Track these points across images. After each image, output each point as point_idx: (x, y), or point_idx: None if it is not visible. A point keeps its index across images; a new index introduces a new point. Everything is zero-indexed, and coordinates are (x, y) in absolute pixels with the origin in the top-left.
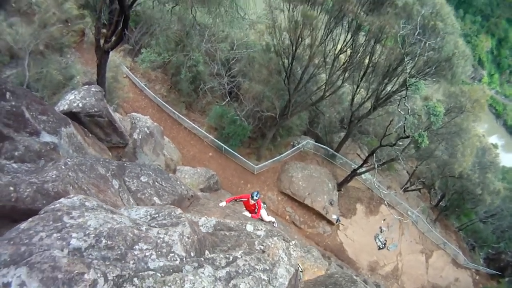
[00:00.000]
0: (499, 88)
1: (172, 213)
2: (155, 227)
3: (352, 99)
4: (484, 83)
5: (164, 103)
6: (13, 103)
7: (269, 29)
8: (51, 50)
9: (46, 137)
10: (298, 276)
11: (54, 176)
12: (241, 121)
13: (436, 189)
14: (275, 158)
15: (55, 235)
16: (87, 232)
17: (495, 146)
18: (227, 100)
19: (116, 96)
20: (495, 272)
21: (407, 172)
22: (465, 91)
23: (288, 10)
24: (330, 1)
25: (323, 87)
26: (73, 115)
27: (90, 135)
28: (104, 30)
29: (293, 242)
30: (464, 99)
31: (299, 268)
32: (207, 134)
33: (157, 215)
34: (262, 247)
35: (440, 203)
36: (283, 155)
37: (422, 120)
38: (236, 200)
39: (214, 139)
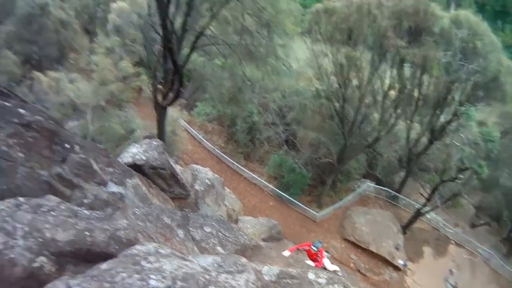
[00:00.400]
0: None
1: (237, 262)
2: (223, 273)
3: (408, 135)
4: None
5: (222, 154)
6: (82, 155)
7: (317, 75)
8: (111, 106)
9: (113, 188)
10: None
11: (125, 224)
12: (300, 169)
13: (505, 220)
14: (336, 205)
15: (135, 276)
16: (164, 275)
17: None
18: (284, 148)
19: (176, 148)
20: None
21: (474, 206)
22: None
23: (332, 54)
24: (371, 38)
25: (377, 127)
26: (136, 167)
27: (154, 186)
28: (160, 86)
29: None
30: None
31: None
32: (267, 184)
33: (223, 263)
34: None
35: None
36: (344, 200)
37: (480, 148)
38: (299, 249)
39: (274, 188)
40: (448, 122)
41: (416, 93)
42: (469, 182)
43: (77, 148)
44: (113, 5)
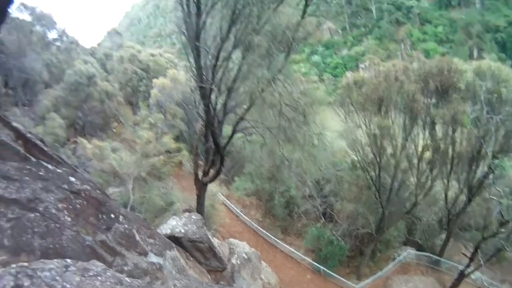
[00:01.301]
0: None
1: None
2: None
3: (446, 196)
4: None
5: (260, 228)
6: (126, 225)
7: (351, 147)
8: (152, 177)
9: (153, 258)
10: None
11: None
12: (338, 241)
13: None
14: (376, 275)
15: None
16: None
17: None
18: (322, 221)
19: (214, 222)
20: None
21: None
22: None
23: (365, 125)
24: (401, 103)
25: (415, 191)
26: (175, 239)
27: (191, 258)
28: (201, 162)
29: None
30: None
31: None
32: (304, 257)
33: None
34: None
35: None
36: (384, 270)
37: None
38: None
39: (312, 262)
40: (485, 177)
41: (450, 151)
42: (510, 236)
43: (121, 218)
44: (155, 81)
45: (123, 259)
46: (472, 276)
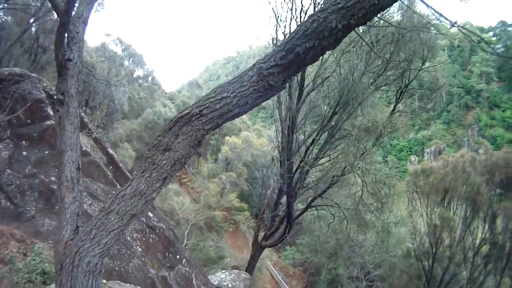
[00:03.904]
0: None
1: None
2: None
3: None
4: None
5: None
6: (187, 268)
7: (411, 234)
8: (209, 228)
9: None
10: None
11: None
12: None
13: None
14: None
15: None
16: None
17: None
18: None
19: (256, 284)
20: None
21: None
22: None
23: (427, 214)
24: (465, 195)
25: (466, 285)
26: None
27: None
28: (264, 226)
29: None
30: None
31: None
32: None
33: None
34: None
35: None
36: None
37: None
38: None
39: None
40: None
41: (508, 246)
42: None
43: (184, 261)
44: (228, 138)
45: None
46: None
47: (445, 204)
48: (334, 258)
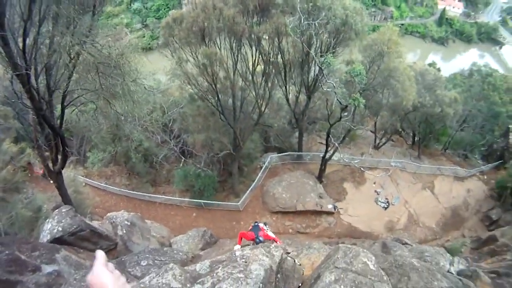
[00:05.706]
0: (411, 13)
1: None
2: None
3: (287, 99)
4: (396, 17)
5: (130, 191)
6: (6, 251)
7: (186, 81)
8: (10, 193)
9: (47, 269)
10: (297, 270)
11: None
12: (204, 171)
13: (404, 130)
14: (251, 187)
15: None
16: None
17: (432, 64)
18: (183, 160)
19: (85, 206)
20: (496, 163)
21: (371, 131)
22: (375, 37)
23: (193, 58)
24: (224, 27)
25: (256, 103)
26: (58, 240)
27: (81, 250)
28: (47, 153)
29: (274, 244)
30: (378, 44)
31: (296, 263)
32: (182, 199)
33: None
34: (243, 260)
35: (415, 138)
36: (256, 180)
37: (351, 84)
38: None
39: (190, 200)
40: (317, 75)
41: (280, 60)
42: (354, 116)
43: None
44: None
45: (23, 285)
46: (335, 158)
47: (207, 42)
48: (117, 140)
